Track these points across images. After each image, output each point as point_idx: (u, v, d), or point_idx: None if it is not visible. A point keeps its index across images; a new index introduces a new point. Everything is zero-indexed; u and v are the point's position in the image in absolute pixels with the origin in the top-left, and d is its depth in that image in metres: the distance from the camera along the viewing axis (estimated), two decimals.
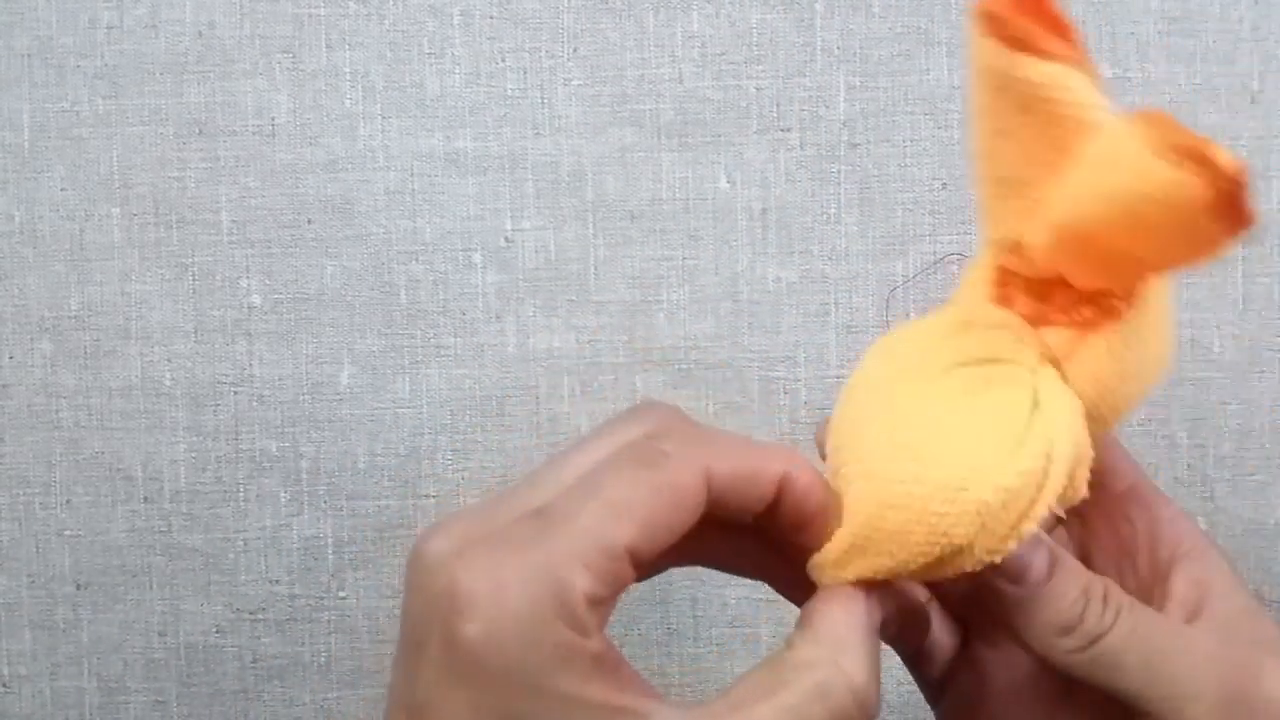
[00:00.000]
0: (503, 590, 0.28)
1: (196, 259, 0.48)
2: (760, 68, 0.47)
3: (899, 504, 0.30)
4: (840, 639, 0.30)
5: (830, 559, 0.31)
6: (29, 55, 0.48)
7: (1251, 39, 0.47)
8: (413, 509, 0.48)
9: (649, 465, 0.30)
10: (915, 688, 0.48)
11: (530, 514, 0.30)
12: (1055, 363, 0.32)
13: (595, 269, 0.48)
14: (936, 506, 0.30)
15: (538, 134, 0.48)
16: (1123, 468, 0.37)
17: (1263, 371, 0.47)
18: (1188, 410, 0.47)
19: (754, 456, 0.31)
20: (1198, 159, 0.26)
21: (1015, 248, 0.31)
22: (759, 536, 0.33)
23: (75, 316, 0.48)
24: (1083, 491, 0.32)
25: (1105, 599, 0.33)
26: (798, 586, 0.33)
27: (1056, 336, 0.32)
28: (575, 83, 0.47)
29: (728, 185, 0.47)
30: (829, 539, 0.31)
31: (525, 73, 0.47)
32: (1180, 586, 0.35)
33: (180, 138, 0.48)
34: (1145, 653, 0.32)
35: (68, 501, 0.48)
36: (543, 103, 0.48)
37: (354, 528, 0.48)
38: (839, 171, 0.47)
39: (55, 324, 0.48)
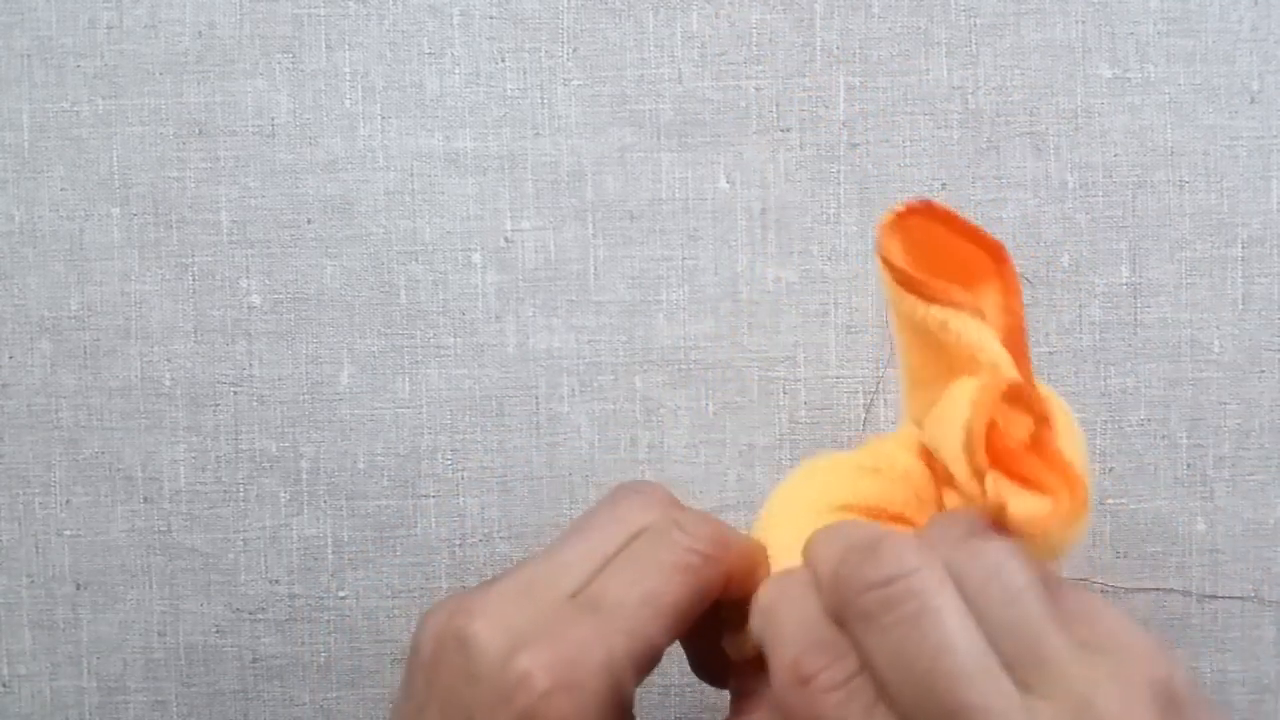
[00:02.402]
0: (576, 688, 0.31)
1: (196, 259, 0.48)
2: (760, 68, 0.47)
3: None
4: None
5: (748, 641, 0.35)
6: (29, 55, 0.48)
7: (1251, 39, 0.47)
8: (413, 509, 0.48)
9: (687, 568, 0.33)
10: None
11: (577, 601, 0.33)
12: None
13: (595, 269, 0.48)
14: None
15: (537, 134, 0.48)
16: None
17: (1263, 371, 0.47)
18: (1188, 410, 0.47)
19: (752, 563, 0.35)
20: (992, 503, 0.31)
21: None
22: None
23: (75, 316, 0.48)
24: None
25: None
26: (702, 649, 0.37)
27: (954, 499, 0.36)
28: (575, 83, 0.47)
29: (727, 185, 0.47)
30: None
31: (525, 73, 0.48)
32: None
33: (180, 138, 0.48)
34: None
35: (68, 501, 0.48)
36: (542, 103, 0.48)
37: (354, 528, 0.48)
38: (839, 171, 0.47)
39: (55, 324, 0.48)
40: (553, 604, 0.32)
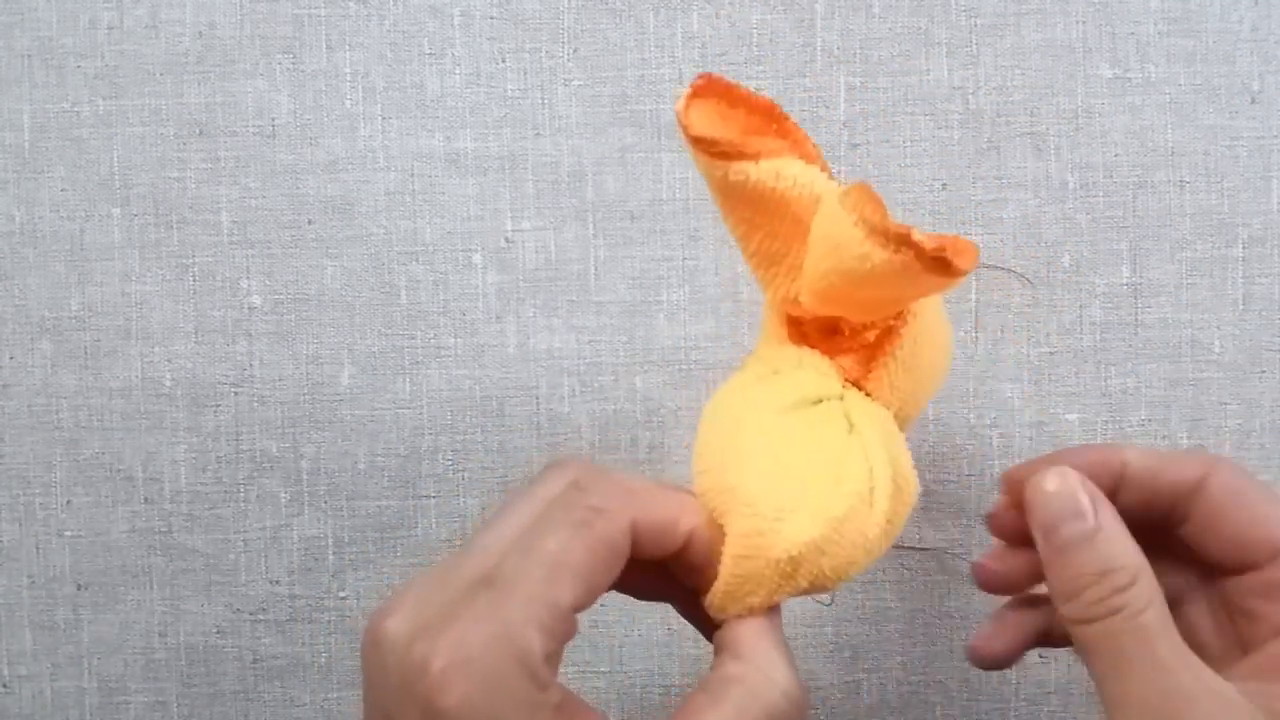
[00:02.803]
0: (472, 662, 0.31)
1: (197, 259, 0.48)
2: (760, 68, 0.47)
3: (749, 554, 0.34)
4: (755, 650, 0.35)
5: (715, 603, 0.35)
6: (29, 55, 0.48)
7: (1251, 39, 0.47)
8: (413, 509, 0.48)
9: (583, 524, 0.33)
10: (915, 688, 0.48)
11: (479, 582, 0.32)
12: (856, 383, 0.37)
13: (595, 269, 0.48)
14: (778, 552, 0.34)
15: (538, 134, 0.48)
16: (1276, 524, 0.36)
17: (1263, 371, 0.47)
18: (1188, 410, 0.47)
19: (670, 508, 0.35)
20: (902, 242, 0.31)
21: (794, 303, 0.36)
22: (664, 569, 0.36)
23: (75, 316, 0.48)
24: (915, 484, 0.36)
25: (1122, 591, 0.34)
26: (695, 609, 0.37)
27: (852, 360, 0.37)
28: (575, 83, 0.47)
29: None
30: (714, 573, 0.35)
31: (525, 73, 0.47)
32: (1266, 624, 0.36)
33: (180, 138, 0.48)
34: (1116, 666, 0.34)
35: (68, 502, 0.48)
36: (543, 103, 0.48)
37: (354, 528, 0.48)
38: (839, 171, 0.47)
39: (55, 324, 0.48)
40: (459, 589, 0.32)
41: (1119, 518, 0.35)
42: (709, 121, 0.34)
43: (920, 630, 0.48)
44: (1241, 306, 0.47)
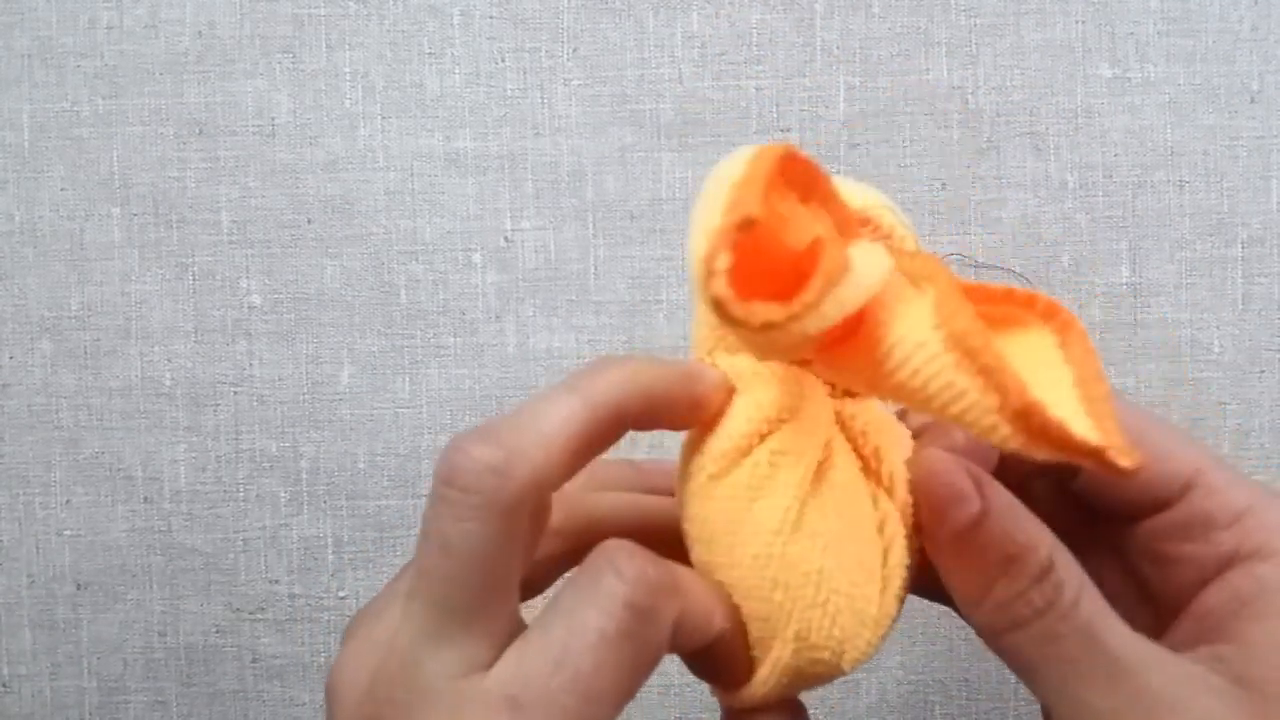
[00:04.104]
0: None
1: (196, 259, 0.48)
2: (760, 68, 0.47)
3: (801, 678, 0.31)
4: None
5: (744, 702, 0.32)
6: (29, 55, 0.48)
7: (1251, 39, 0.47)
8: (413, 509, 0.48)
9: (625, 637, 0.28)
10: (915, 688, 0.48)
11: (497, 691, 0.28)
12: (846, 393, 0.33)
13: (595, 269, 0.48)
14: (837, 673, 0.31)
15: (538, 134, 0.48)
16: (1181, 455, 0.32)
17: (1263, 371, 0.47)
18: (1188, 410, 0.47)
19: (707, 602, 0.31)
20: (1082, 451, 0.25)
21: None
22: None
23: (75, 316, 0.48)
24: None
25: (1039, 580, 0.29)
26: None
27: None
28: (575, 83, 0.47)
29: None
30: (741, 669, 0.32)
31: (525, 73, 0.48)
32: (1216, 595, 0.30)
33: (180, 138, 0.48)
34: (1066, 680, 0.28)
35: (68, 501, 0.48)
36: (543, 103, 0.48)
37: (354, 528, 0.48)
38: (839, 171, 0.47)
39: (55, 324, 0.48)
40: (469, 692, 0.28)
41: (1011, 495, 0.30)
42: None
43: (920, 630, 0.48)
44: (1241, 306, 0.47)
